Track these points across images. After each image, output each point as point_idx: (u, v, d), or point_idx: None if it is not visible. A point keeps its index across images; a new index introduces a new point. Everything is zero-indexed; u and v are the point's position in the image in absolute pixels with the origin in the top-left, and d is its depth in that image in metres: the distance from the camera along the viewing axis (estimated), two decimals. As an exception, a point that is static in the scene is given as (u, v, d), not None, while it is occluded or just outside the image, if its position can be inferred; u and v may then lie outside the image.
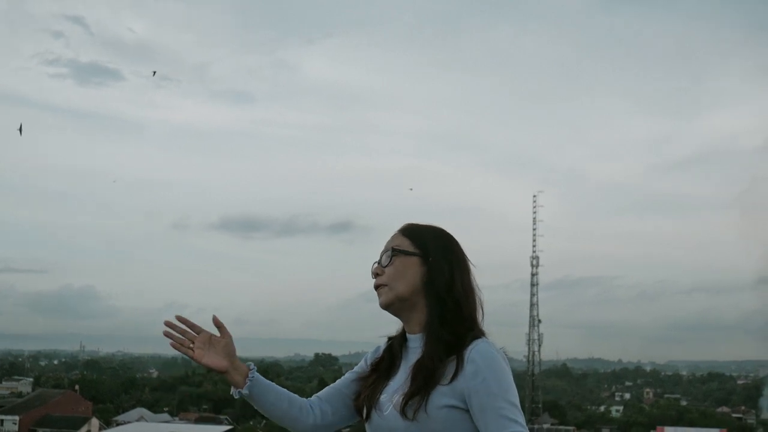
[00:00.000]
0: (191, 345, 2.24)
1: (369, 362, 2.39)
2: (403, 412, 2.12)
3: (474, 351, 2.13)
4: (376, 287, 2.29)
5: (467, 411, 2.11)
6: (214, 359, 2.24)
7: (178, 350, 2.25)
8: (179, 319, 2.26)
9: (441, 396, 2.11)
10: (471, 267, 2.32)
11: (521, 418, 2.10)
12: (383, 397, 2.22)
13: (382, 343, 2.41)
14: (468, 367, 2.11)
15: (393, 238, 2.33)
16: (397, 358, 2.30)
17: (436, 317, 2.21)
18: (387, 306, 2.28)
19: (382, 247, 2.35)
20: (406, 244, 2.28)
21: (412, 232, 2.32)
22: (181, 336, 2.25)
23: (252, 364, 2.29)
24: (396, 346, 2.34)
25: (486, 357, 2.12)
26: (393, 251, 2.27)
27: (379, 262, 2.31)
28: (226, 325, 2.26)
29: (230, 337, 2.26)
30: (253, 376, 2.25)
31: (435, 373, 2.13)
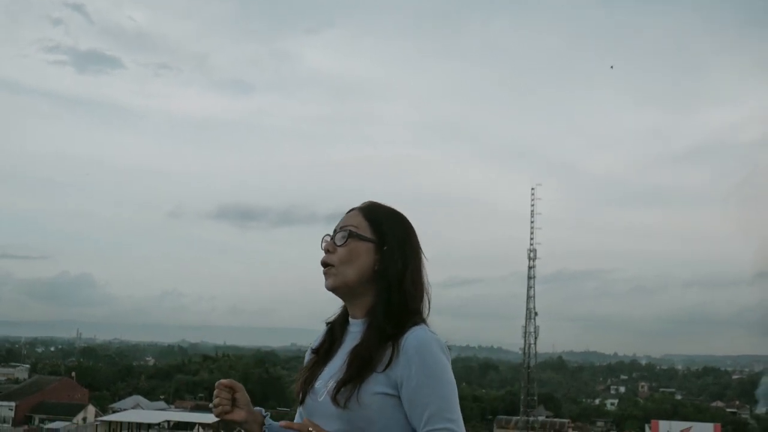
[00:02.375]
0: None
1: (311, 349, 2.36)
2: (335, 399, 2.09)
3: (409, 338, 2.09)
4: (324, 265, 2.24)
5: (400, 398, 2.09)
6: (235, 413, 2.20)
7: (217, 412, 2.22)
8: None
9: (375, 384, 2.08)
10: (423, 259, 2.28)
11: (452, 414, 2.06)
12: (318, 384, 2.19)
13: (319, 334, 2.38)
14: (402, 355, 2.07)
15: (352, 215, 2.26)
16: (336, 342, 2.27)
17: (381, 306, 2.17)
18: (333, 290, 2.24)
19: None
20: (364, 227, 2.22)
21: (372, 213, 2.25)
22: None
23: (263, 410, 2.26)
24: (337, 329, 2.30)
25: (420, 345, 2.08)
26: (350, 233, 2.22)
27: (332, 238, 2.25)
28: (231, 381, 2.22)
29: (242, 388, 2.22)
30: (268, 424, 2.24)
31: (371, 361, 2.10)
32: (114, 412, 63.71)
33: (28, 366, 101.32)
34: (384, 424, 2.08)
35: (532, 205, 69.49)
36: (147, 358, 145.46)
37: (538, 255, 70.59)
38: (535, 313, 71.02)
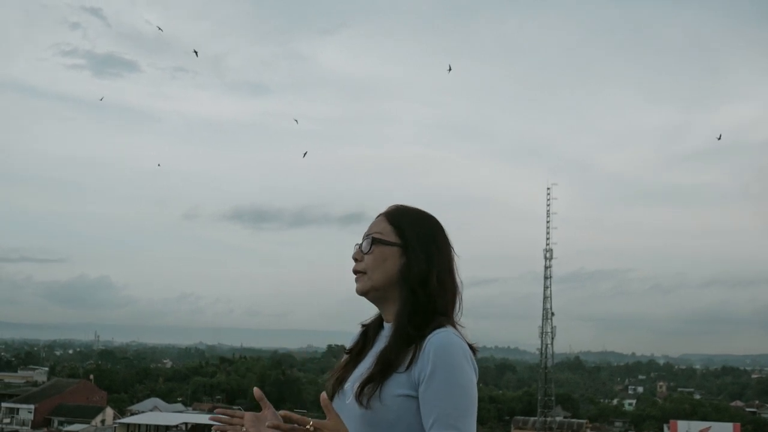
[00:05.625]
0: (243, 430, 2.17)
1: (345, 350, 2.40)
2: (358, 399, 2.12)
3: (431, 340, 2.10)
4: (355, 272, 2.29)
5: None
6: None
7: None
8: (220, 413, 2.20)
9: (397, 385, 2.10)
10: (454, 257, 2.29)
11: (459, 422, 2.04)
12: (347, 385, 2.22)
13: (354, 334, 2.41)
14: (422, 357, 2.09)
15: (377, 221, 2.31)
16: (369, 345, 2.30)
17: (406, 309, 2.20)
18: (363, 294, 2.28)
19: None
20: (387, 232, 2.26)
21: (396, 217, 2.29)
22: (230, 425, 2.18)
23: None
24: (370, 332, 2.34)
25: (441, 347, 2.09)
26: (374, 240, 2.26)
27: (360, 247, 2.30)
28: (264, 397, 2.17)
29: (270, 407, 2.17)
30: None
31: (393, 363, 2.12)
32: (132, 414, 64.01)
33: (46, 369, 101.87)
34: (406, 426, 2.09)
35: (548, 205, 69.27)
36: (165, 361, 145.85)
37: (554, 255, 70.38)
38: (552, 313, 70.74)
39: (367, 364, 2.21)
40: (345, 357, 2.36)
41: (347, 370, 2.28)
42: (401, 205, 2.33)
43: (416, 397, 2.09)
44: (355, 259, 2.29)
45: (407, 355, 2.12)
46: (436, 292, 2.20)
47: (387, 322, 2.28)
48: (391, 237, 2.25)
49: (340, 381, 2.27)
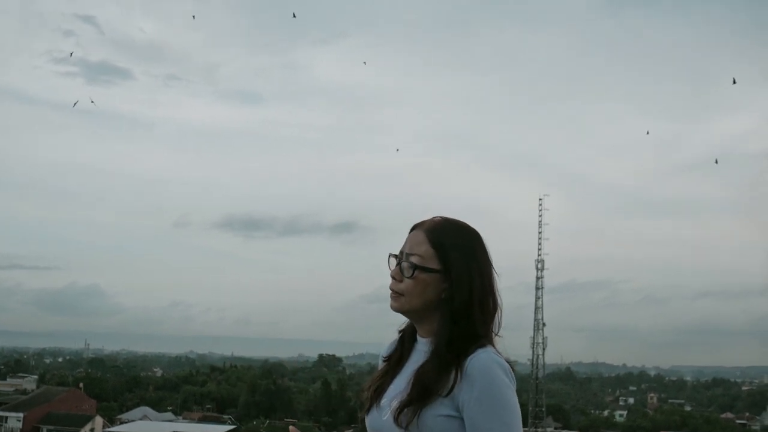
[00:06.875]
0: None
1: (383, 357, 2.36)
2: (397, 420, 2.12)
3: (473, 362, 2.09)
4: (391, 289, 2.23)
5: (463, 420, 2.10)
6: None
7: None
8: None
9: (438, 406, 2.09)
10: (494, 275, 2.24)
11: None
12: (384, 401, 2.20)
13: (390, 341, 2.37)
14: (465, 378, 2.08)
15: (419, 240, 2.22)
16: (406, 354, 2.28)
17: (445, 333, 2.16)
18: (398, 312, 2.25)
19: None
20: (429, 256, 2.19)
21: (436, 236, 2.21)
22: None
23: None
24: (407, 339, 2.31)
25: (483, 368, 2.08)
26: (415, 267, 2.19)
27: (399, 264, 2.23)
28: None
29: None
30: None
31: (433, 388, 2.11)
32: (122, 423, 63.75)
33: (36, 377, 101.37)
34: None
35: (540, 216, 69.40)
36: (155, 369, 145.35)
37: (546, 265, 70.44)
38: (543, 324, 70.75)
39: (404, 381, 2.18)
40: (383, 365, 2.32)
41: (385, 381, 2.25)
42: (441, 220, 2.25)
43: (458, 418, 2.08)
44: (393, 278, 2.23)
45: (448, 378, 2.10)
46: (477, 318, 2.17)
47: (421, 336, 2.25)
48: (433, 262, 2.18)
49: (378, 393, 2.24)
